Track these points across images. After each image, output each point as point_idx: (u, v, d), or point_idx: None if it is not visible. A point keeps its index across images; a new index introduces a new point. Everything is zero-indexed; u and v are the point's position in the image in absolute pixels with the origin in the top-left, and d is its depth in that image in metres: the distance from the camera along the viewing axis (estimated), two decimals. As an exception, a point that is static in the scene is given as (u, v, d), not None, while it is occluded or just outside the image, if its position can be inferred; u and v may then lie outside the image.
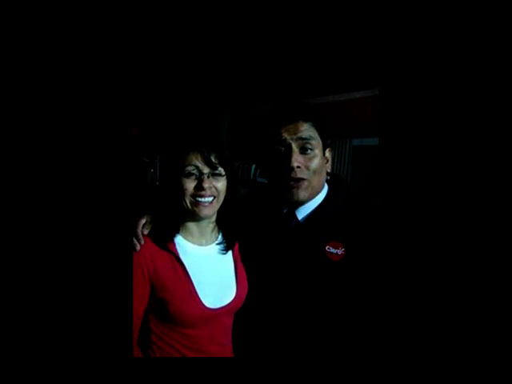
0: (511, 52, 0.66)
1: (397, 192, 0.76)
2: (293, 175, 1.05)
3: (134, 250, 0.96)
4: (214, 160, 1.00)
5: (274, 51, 3.79)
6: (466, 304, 0.68)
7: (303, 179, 1.07)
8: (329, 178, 1.21)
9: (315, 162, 1.08)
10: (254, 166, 5.11)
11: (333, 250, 1.03)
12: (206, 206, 1.01)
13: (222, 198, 1.05)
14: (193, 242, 1.06)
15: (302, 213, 1.12)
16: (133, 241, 0.97)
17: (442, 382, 0.69)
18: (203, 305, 0.99)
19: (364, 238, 1.03)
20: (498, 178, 0.67)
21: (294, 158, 1.05)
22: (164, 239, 1.01)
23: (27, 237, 0.69)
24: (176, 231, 1.04)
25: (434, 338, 0.70)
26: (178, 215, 1.04)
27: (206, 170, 1.00)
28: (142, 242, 0.97)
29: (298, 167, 1.05)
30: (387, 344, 0.74)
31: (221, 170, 1.03)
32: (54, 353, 0.70)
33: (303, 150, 1.07)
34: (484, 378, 0.66)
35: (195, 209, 1.01)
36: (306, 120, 1.08)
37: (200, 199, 1.00)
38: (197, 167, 1.00)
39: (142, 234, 0.99)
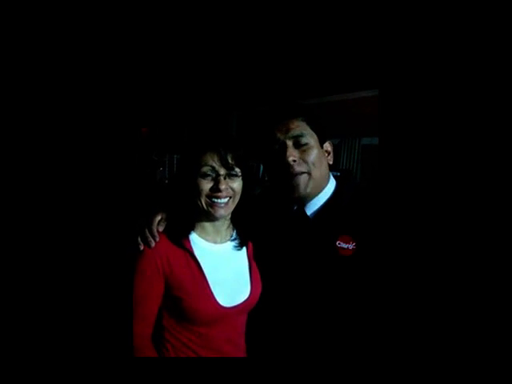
0: (511, 52, 0.66)
1: (397, 191, 0.76)
2: (291, 170, 1.05)
3: (149, 246, 0.96)
4: (230, 160, 0.99)
5: (283, 50, 3.78)
6: (475, 299, 0.68)
7: (303, 172, 1.06)
8: (339, 173, 1.21)
9: (312, 154, 1.07)
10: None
11: (344, 245, 1.03)
12: (221, 207, 1.00)
13: (237, 198, 1.04)
14: (207, 240, 1.06)
15: (311, 209, 1.12)
16: (148, 237, 0.97)
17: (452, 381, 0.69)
18: (218, 303, 0.99)
19: (375, 231, 1.02)
20: (499, 176, 0.67)
21: (288, 153, 1.05)
22: (179, 236, 1.01)
23: (37, 235, 0.70)
24: (191, 228, 1.04)
25: (443, 332, 0.70)
26: (193, 213, 1.04)
27: (222, 171, 0.99)
28: (157, 239, 0.98)
29: (294, 161, 1.05)
30: (400, 339, 0.74)
31: (237, 170, 1.02)
32: (58, 349, 0.70)
33: (298, 145, 1.07)
34: (484, 378, 0.67)
35: (210, 210, 1.00)
36: (295, 117, 1.09)
37: (216, 200, 1.00)
38: (213, 168, 0.99)
39: (157, 230, 0.99)
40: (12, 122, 0.69)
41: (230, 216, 1.09)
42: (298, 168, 1.06)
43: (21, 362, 0.68)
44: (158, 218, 1.03)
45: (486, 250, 0.67)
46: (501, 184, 0.66)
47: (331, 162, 1.17)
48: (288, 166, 1.05)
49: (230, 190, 1.01)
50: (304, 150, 1.07)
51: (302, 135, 1.07)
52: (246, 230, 1.12)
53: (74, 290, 0.72)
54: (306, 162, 1.07)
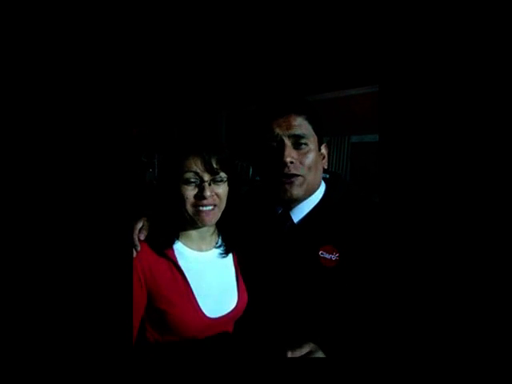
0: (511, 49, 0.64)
1: (396, 191, 0.73)
2: (286, 171, 0.99)
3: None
4: (214, 165, 0.94)
5: (272, 48, 3.75)
6: (466, 312, 0.65)
7: (297, 175, 1.01)
8: (328, 176, 1.17)
9: (310, 157, 1.01)
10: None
11: (326, 256, 0.98)
12: (207, 214, 0.95)
13: (223, 204, 0.99)
14: (192, 248, 1.01)
15: (298, 214, 1.07)
16: None
17: None
18: (203, 314, 0.95)
19: (360, 242, 0.98)
20: (500, 177, 0.64)
21: (286, 153, 0.98)
22: (162, 245, 0.96)
23: (21, 238, 0.66)
24: (175, 237, 0.99)
25: (430, 345, 0.68)
26: (177, 220, 0.98)
27: (206, 177, 0.94)
28: (139, 248, 0.93)
29: (292, 162, 0.99)
30: (383, 350, 0.71)
31: (222, 175, 0.96)
32: (54, 355, 0.67)
33: (297, 145, 1.01)
34: (484, 378, 0.64)
35: (196, 218, 0.95)
36: (298, 113, 1.01)
37: (201, 208, 0.94)
38: (197, 174, 0.93)
39: (139, 239, 0.94)
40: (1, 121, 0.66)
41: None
42: (293, 170, 1.00)
43: (20, 362, 0.65)
44: (140, 225, 0.98)
45: (483, 264, 0.65)
46: (504, 189, 0.64)
47: (326, 167, 1.11)
48: (283, 166, 0.99)
49: (215, 197, 0.96)
50: (303, 153, 1.01)
51: (303, 136, 1.00)
52: (231, 236, 1.07)
53: (64, 295, 0.69)
54: (302, 164, 1.01)
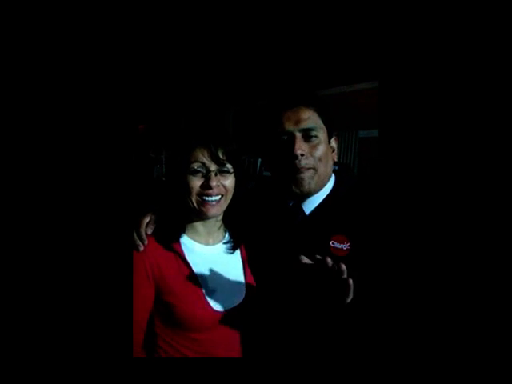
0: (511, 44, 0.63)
1: (397, 185, 0.73)
2: (297, 164, 0.99)
3: (137, 250, 0.92)
4: (221, 156, 0.94)
5: (279, 43, 3.73)
6: (470, 302, 0.65)
7: (309, 168, 1.01)
8: (337, 168, 1.17)
9: (320, 149, 1.01)
10: (260, 160, 5.09)
11: (337, 245, 0.98)
12: (213, 206, 0.96)
13: (230, 196, 0.99)
14: (199, 242, 1.02)
15: (309, 206, 1.07)
16: (135, 241, 0.93)
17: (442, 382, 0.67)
18: (211, 308, 0.95)
19: (370, 231, 0.97)
20: (499, 173, 0.64)
21: (297, 146, 0.98)
22: (169, 239, 0.96)
23: (26, 235, 0.67)
24: (182, 230, 0.99)
25: (437, 337, 0.67)
26: (183, 213, 0.99)
27: (213, 167, 0.94)
28: (146, 243, 0.93)
29: (303, 155, 0.99)
30: (394, 343, 0.71)
31: (229, 166, 0.97)
32: (54, 353, 0.68)
33: (307, 138, 1.01)
34: (484, 378, 0.64)
35: (202, 208, 0.96)
36: (307, 106, 1.02)
37: (207, 198, 0.95)
38: (203, 164, 0.94)
39: (146, 233, 0.95)
40: (8, 119, 0.67)
41: (221, 216, 1.04)
42: (304, 162, 1.00)
43: (16, 357, 0.66)
44: (147, 219, 0.98)
45: (488, 252, 0.64)
46: (503, 186, 0.64)
47: (336, 159, 1.11)
48: (294, 159, 0.99)
49: (221, 188, 0.96)
50: (313, 145, 1.01)
51: (313, 128, 1.01)
52: (239, 231, 1.08)
53: (66, 291, 0.70)
54: (313, 156, 1.01)
